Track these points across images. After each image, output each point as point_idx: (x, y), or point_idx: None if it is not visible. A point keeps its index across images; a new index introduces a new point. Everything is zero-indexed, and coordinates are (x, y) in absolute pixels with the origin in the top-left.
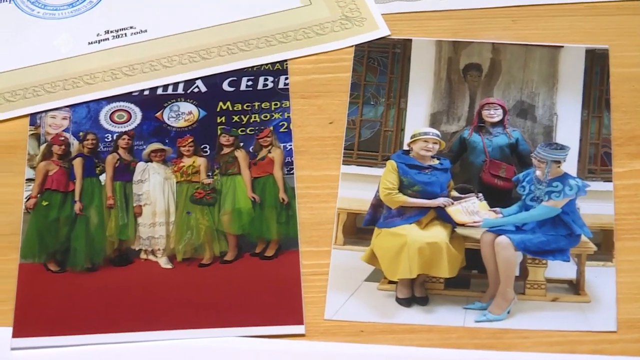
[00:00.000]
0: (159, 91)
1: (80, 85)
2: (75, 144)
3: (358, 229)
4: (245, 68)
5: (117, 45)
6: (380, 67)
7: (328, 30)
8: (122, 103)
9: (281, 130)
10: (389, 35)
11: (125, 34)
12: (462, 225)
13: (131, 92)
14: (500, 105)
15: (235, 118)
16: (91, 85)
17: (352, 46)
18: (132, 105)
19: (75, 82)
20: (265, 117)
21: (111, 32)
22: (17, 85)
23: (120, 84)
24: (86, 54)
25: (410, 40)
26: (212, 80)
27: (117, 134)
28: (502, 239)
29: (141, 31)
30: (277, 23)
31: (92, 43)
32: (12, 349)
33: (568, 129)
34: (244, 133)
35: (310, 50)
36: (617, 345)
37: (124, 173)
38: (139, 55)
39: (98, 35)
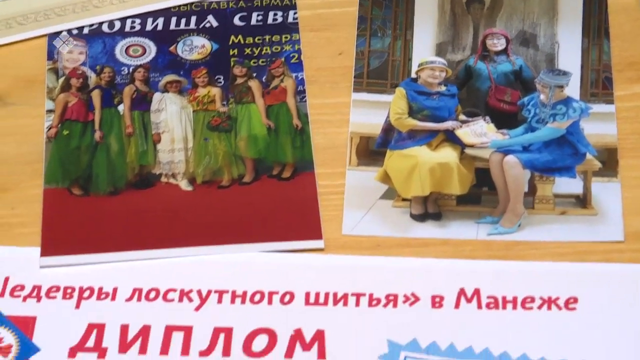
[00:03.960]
0: (172, 26)
1: (89, 8)
2: (92, 77)
3: (371, 151)
4: (254, 3)
5: None
6: (385, 0)
7: None
8: (136, 38)
9: (292, 61)
10: None
11: None
12: (471, 146)
13: (145, 27)
14: (503, 35)
15: (247, 50)
16: (99, 9)
17: None
18: (146, 40)
19: (84, 6)
20: (276, 49)
21: None
22: (28, 10)
23: (127, 7)
24: None
25: None
26: (223, 16)
27: (132, 67)
28: (510, 158)
29: None
30: None
31: None
32: (41, 267)
33: (569, 57)
34: (256, 64)
35: None
36: (626, 254)
37: (141, 103)
38: None
39: None
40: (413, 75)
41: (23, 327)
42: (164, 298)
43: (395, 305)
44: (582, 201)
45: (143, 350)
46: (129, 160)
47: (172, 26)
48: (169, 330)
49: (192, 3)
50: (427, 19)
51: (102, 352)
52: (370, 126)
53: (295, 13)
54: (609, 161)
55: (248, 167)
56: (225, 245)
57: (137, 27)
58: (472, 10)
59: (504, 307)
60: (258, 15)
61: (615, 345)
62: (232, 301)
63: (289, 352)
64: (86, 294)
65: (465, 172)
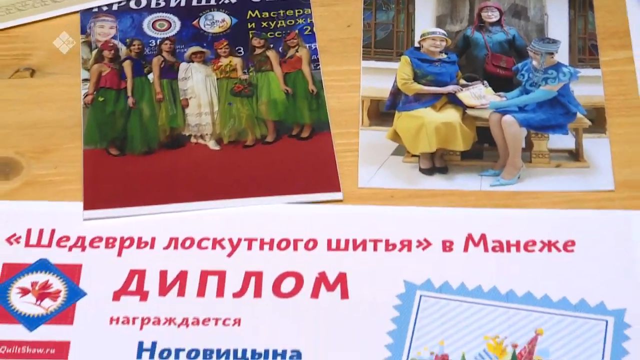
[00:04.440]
0: (194, 3)
1: None
2: (123, 49)
3: (381, 112)
4: None
5: None
6: None
7: None
8: (161, 14)
9: (305, 33)
10: None
11: None
12: (472, 107)
13: (169, 4)
14: (496, 7)
15: (264, 24)
16: None
17: None
18: (170, 15)
19: None
20: (290, 22)
21: None
22: None
23: None
24: None
25: None
26: None
27: (159, 40)
28: (508, 117)
29: None
30: None
31: None
32: (84, 219)
33: (558, 27)
34: (272, 36)
35: None
36: (616, 202)
37: (169, 72)
38: None
39: None
40: (416, 44)
41: (70, 274)
42: (199, 246)
43: (409, 250)
44: (575, 155)
45: (181, 292)
46: (161, 123)
47: (194, 3)
48: (204, 275)
49: None
50: None
51: (144, 295)
52: (380, 90)
53: None
54: (598, 119)
55: (270, 128)
56: (252, 198)
57: (162, 4)
58: None
59: (509, 250)
60: None
61: (610, 282)
62: (261, 248)
63: (315, 292)
64: (127, 243)
65: (467, 131)
